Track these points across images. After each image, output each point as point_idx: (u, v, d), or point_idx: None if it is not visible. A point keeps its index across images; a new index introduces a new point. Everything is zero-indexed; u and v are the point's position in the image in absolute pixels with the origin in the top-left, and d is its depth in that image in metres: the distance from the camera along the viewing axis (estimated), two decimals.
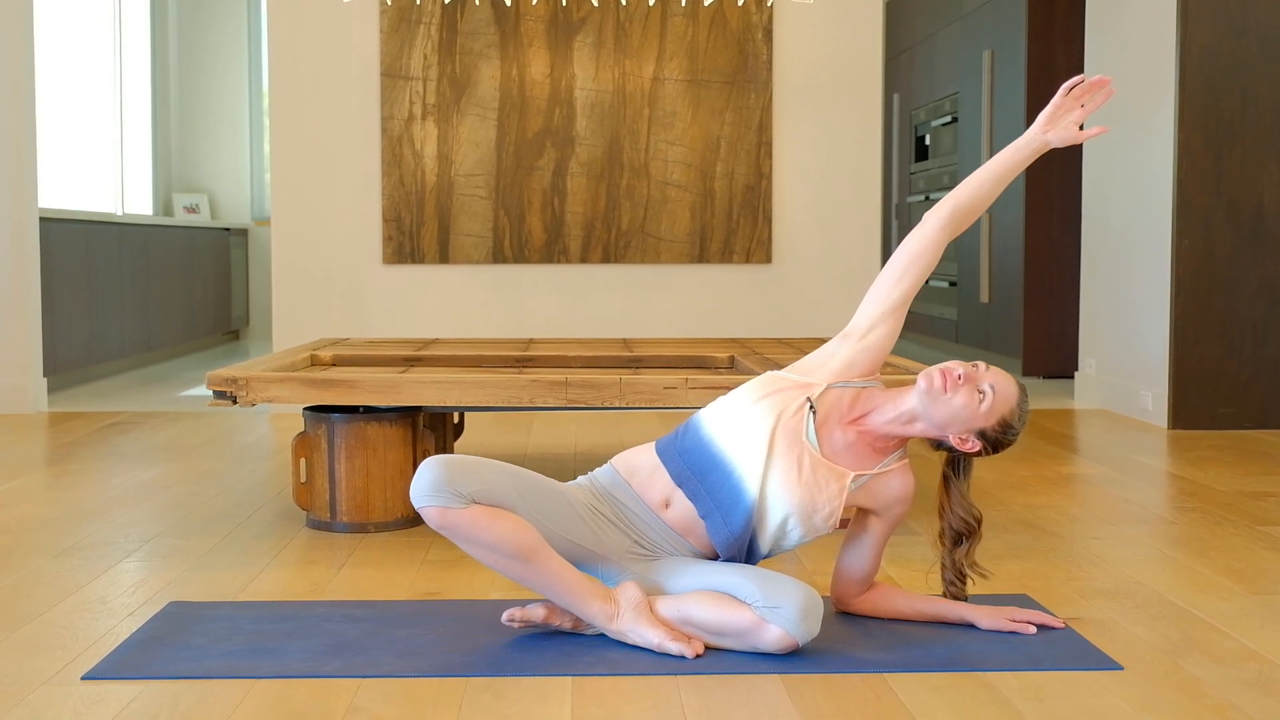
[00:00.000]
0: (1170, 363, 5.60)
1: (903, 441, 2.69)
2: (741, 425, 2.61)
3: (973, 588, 2.81)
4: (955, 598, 2.75)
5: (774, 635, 2.45)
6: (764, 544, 2.62)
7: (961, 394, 2.61)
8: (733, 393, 2.69)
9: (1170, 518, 3.86)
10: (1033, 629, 2.65)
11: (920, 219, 2.79)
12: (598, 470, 2.73)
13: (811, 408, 2.61)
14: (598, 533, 2.63)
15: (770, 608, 2.44)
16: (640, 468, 2.68)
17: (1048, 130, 2.79)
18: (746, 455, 2.58)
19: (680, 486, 2.62)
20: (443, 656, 2.48)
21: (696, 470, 2.61)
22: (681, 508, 2.63)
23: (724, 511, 2.58)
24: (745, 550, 2.61)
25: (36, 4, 7.10)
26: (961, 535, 2.74)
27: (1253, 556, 3.35)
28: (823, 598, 2.75)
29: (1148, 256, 5.81)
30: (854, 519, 2.73)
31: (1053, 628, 2.67)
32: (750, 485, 2.57)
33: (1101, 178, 6.33)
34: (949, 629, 2.67)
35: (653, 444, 2.71)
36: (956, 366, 2.63)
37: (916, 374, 3.57)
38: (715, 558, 2.68)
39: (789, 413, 2.60)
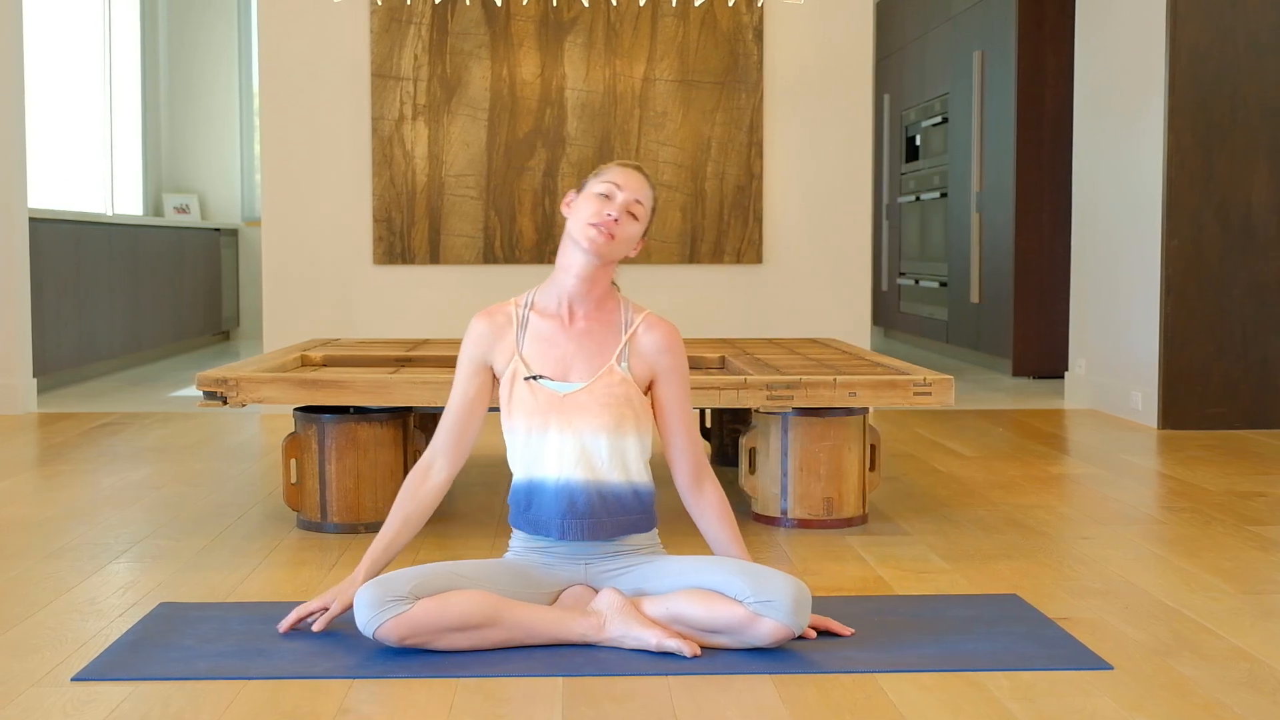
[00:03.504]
0: (1160, 363, 5.61)
1: (609, 288, 2.69)
2: (536, 448, 2.62)
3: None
4: None
5: (768, 628, 2.46)
6: (638, 474, 2.63)
7: (622, 228, 2.61)
8: (507, 437, 2.69)
9: (1160, 517, 3.87)
10: (814, 634, 2.60)
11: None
12: (511, 542, 2.74)
13: (536, 378, 2.63)
14: (551, 575, 2.64)
15: (762, 602, 2.45)
16: None
17: None
18: (556, 461, 2.60)
19: (539, 536, 2.63)
20: (433, 657, 2.48)
21: (535, 510, 2.62)
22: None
23: (568, 515, 2.60)
24: (626, 500, 2.61)
25: (26, 3, 7.09)
26: None
27: (1243, 556, 3.36)
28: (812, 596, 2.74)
29: (1137, 257, 5.82)
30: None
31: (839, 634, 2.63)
32: (578, 473, 2.59)
33: (1091, 178, 6.35)
34: (942, 629, 2.67)
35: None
36: (601, 206, 2.61)
37: (907, 373, 3.58)
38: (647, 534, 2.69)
39: (541, 402, 2.61)
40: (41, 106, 8.09)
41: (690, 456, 2.71)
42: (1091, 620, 2.77)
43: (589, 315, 2.67)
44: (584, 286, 2.65)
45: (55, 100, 8.49)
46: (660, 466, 3.15)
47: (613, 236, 2.60)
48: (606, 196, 2.63)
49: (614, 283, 2.72)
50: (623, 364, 2.65)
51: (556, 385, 2.63)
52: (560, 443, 2.60)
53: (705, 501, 2.72)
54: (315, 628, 2.62)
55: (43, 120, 8.13)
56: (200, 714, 2.22)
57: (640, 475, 2.65)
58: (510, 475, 2.74)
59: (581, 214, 2.63)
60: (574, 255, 2.64)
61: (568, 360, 2.65)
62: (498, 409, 2.71)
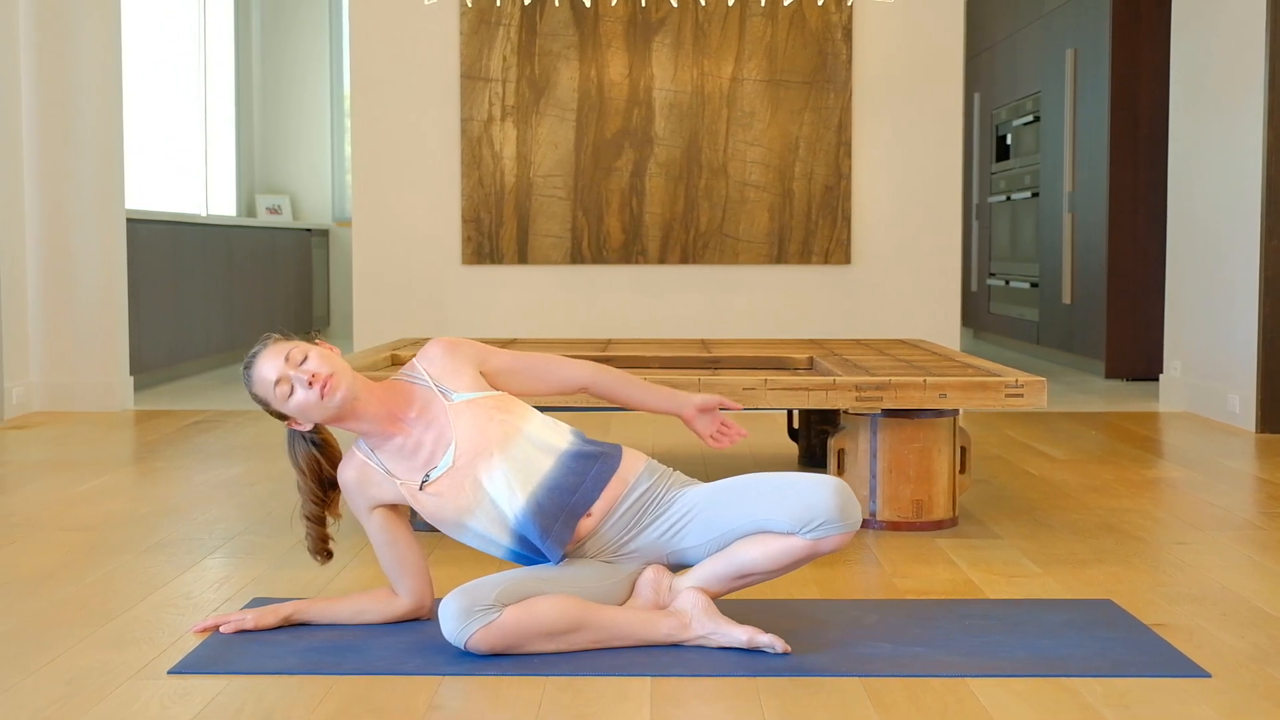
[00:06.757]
0: (1259, 365, 5.50)
1: (385, 386, 2.67)
2: (488, 518, 2.60)
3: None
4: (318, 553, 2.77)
5: (830, 545, 2.52)
6: (560, 442, 2.63)
7: (321, 374, 2.57)
8: (467, 543, 2.69)
9: (1259, 523, 3.79)
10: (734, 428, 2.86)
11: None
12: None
13: (425, 480, 2.62)
14: (615, 568, 2.64)
15: (812, 529, 2.50)
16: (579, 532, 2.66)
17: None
18: (505, 504, 2.58)
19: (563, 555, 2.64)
20: (523, 655, 2.49)
21: (536, 551, 2.62)
22: (596, 518, 2.63)
23: (553, 525, 2.58)
24: (574, 467, 2.60)
25: (124, 8, 7.22)
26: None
27: None
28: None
29: (1235, 256, 5.72)
30: (512, 394, 2.73)
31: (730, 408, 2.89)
32: (528, 489, 2.58)
33: (1188, 175, 6.24)
34: (1034, 633, 2.64)
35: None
36: (295, 399, 2.58)
37: (998, 374, 3.55)
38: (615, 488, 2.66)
39: (452, 489, 2.60)
40: (139, 110, 8.24)
41: (558, 375, 2.81)
42: (1188, 627, 2.72)
43: (406, 408, 2.66)
44: (376, 412, 2.63)
45: (152, 103, 8.64)
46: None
47: (325, 384, 2.56)
48: (290, 393, 2.58)
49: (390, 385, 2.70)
50: (452, 397, 2.65)
51: (442, 467, 2.62)
52: (492, 490, 2.60)
53: (589, 374, 2.83)
54: (224, 629, 2.65)
55: (140, 123, 8.28)
56: (293, 708, 2.25)
57: (564, 440, 2.65)
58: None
59: (308, 415, 2.60)
60: (348, 424, 2.63)
61: (433, 447, 2.64)
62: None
